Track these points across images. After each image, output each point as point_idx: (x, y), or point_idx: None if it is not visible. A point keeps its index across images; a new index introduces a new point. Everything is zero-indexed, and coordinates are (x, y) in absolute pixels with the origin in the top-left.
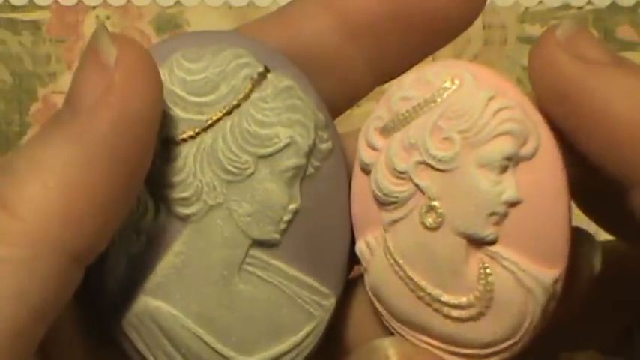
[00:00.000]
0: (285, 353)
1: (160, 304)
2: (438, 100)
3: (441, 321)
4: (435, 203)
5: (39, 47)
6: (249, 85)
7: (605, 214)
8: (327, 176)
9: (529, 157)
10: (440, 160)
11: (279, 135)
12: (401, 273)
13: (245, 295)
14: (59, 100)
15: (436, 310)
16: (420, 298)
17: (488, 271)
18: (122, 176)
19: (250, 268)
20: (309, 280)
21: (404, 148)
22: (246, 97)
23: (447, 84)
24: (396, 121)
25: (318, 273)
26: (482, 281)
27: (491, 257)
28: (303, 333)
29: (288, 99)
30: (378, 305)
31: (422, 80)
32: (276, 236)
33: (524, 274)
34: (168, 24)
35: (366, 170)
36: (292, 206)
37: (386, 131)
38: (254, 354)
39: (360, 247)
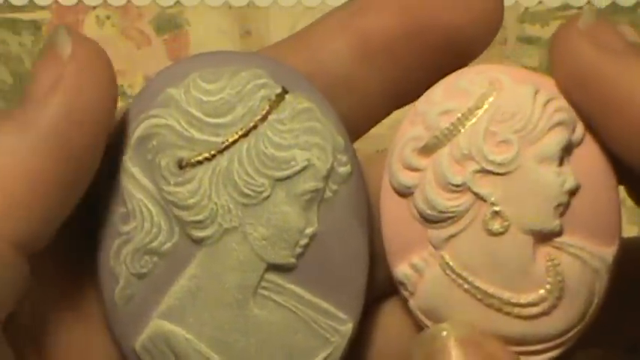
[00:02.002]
0: None
1: (173, 327)
2: (484, 106)
3: (512, 323)
4: (499, 208)
5: (39, 47)
6: (267, 107)
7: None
8: (346, 200)
9: (579, 142)
10: (500, 164)
11: (296, 158)
12: (466, 286)
13: (260, 319)
14: None
15: (507, 313)
16: (489, 305)
17: (555, 262)
18: (67, 167)
19: (266, 293)
20: (326, 305)
21: (456, 160)
22: (264, 118)
23: (487, 89)
24: (439, 136)
25: (335, 298)
26: (552, 273)
27: (557, 247)
28: (318, 359)
29: (307, 121)
30: (431, 325)
31: (457, 91)
32: (292, 260)
33: (591, 257)
34: (169, 24)
35: (405, 193)
36: (309, 230)
37: (427, 150)
38: None
39: (404, 271)
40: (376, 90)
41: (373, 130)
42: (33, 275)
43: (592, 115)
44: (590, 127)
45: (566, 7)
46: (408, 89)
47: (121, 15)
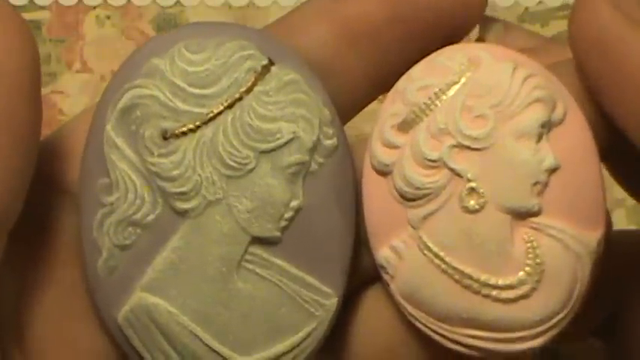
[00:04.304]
0: (285, 354)
1: (156, 300)
2: (462, 80)
3: (490, 307)
4: (476, 184)
5: (39, 47)
6: (252, 78)
7: (632, 177)
8: (332, 173)
9: (559, 122)
10: (476, 139)
11: (281, 130)
12: (443, 266)
13: (244, 293)
14: (59, 100)
15: (485, 295)
16: (466, 287)
17: (534, 244)
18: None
19: (250, 266)
20: (310, 279)
21: (432, 135)
22: (249, 90)
23: (466, 65)
24: (417, 111)
25: (320, 272)
26: (531, 255)
27: (536, 229)
28: (302, 333)
29: (293, 93)
30: (412, 310)
31: (436, 66)
32: (277, 233)
33: (572, 240)
34: (168, 24)
35: (384, 172)
36: (294, 203)
37: (406, 125)
38: (252, 354)
39: (385, 255)
40: (359, 76)
41: (368, 128)
42: (13, 272)
43: (605, 85)
44: (595, 103)
45: (566, 7)
46: (391, 74)
47: (121, 15)
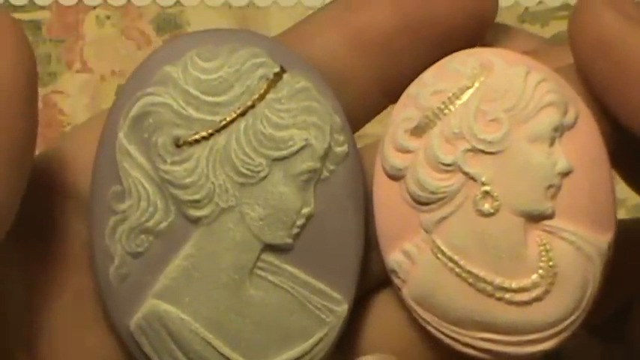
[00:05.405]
0: None
1: (168, 307)
2: (475, 85)
3: (504, 310)
4: (490, 188)
5: (39, 47)
6: (265, 86)
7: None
8: (342, 180)
9: (571, 126)
10: (490, 143)
11: (294, 137)
12: (457, 270)
13: (256, 300)
14: (59, 100)
15: (499, 299)
16: (480, 290)
17: (547, 247)
18: None
19: (262, 273)
20: (321, 285)
21: (447, 139)
22: (262, 97)
23: (479, 69)
24: (430, 116)
25: (330, 279)
26: (544, 258)
27: (549, 232)
28: (313, 340)
29: (304, 100)
30: (424, 314)
31: (448, 72)
32: (289, 241)
33: (584, 242)
34: (169, 24)
35: (396, 176)
36: (306, 210)
37: (419, 130)
38: None
39: (396, 259)
40: (371, 84)
41: (370, 130)
42: (20, 277)
43: (608, 86)
44: (599, 104)
45: (566, 7)
46: (402, 83)
47: (121, 15)
